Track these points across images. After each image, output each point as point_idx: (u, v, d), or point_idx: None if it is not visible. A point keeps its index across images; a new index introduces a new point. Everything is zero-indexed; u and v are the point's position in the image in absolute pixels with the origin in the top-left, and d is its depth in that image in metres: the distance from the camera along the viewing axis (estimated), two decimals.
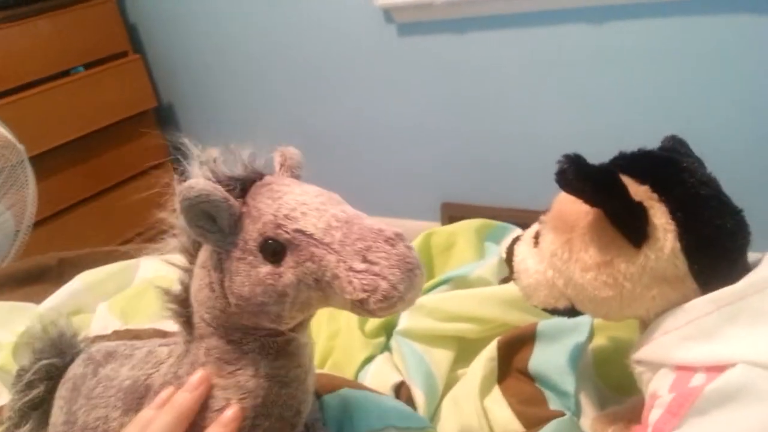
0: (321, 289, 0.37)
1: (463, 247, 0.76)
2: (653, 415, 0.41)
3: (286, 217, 0.37)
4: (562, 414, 0.53)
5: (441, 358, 0.62)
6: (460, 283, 0.69)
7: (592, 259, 0.43)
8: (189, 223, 0.37)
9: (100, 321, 0.73)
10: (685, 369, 0.41)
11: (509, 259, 0.51)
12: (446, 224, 0.82)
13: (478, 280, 0.69)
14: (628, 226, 0.41)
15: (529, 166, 1.52)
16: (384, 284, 0.34)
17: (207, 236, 0.38)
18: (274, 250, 0.37)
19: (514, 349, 0.60)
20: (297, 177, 0.43)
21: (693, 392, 0.39)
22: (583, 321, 0.58)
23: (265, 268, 0.37)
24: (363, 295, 0.34)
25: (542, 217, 0.48)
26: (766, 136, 1.25)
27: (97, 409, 0.44)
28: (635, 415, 0.50)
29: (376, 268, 0.34)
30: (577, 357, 0.56)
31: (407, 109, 1.65)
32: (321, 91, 1.73)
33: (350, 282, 0.35)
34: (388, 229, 0.36)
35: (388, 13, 1.57)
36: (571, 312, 0.47)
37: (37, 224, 1.39)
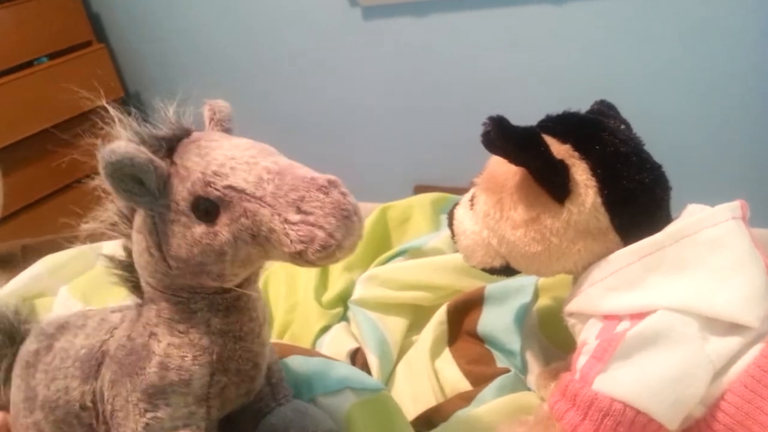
0: (259, 244, 0.36)
1: (419, 219, 0.78)
2: (580, 361, 0.43)
3: (215, 173, 0.36)
4: (507, 371, 0.56)
5: (395, 325, 0.64)
6: (415, 253, 0.71)
7: (521, 217, 0.45)
8: (116, 189, 0.36)
9: (62, 304, 0.73)
10: (611, 318, 0.43)
11: (450, 222, 0.53)
12: None
13: (432, 250, 0.71)
14: (550, 183, 0.43)
15: None
16: (321, 234, 0.34)
17: (136, 200, 0.37)
18: (206, 209, 0.36)
19: (464, 313, 0.62)
20: (227, 130, 0.42)
21: (616, 337, 0.41)
22: (528, 283, 0.60)
23: (200, 228, 0.36)
24: (300, 247, 0.34)
25: (475, 180, 0.50)
26: (720, 109, 1.29)
27: (56, 381, 0.45)
28: None
29: (311, 218, 0.34)
30: (523, 317, 0.59)
31: (376, 93, 1.66)
32: (289, 77, 1.73)
33: (287, 234, 0.34)
34: (321, 176, 0.35)
35: None
36: (507, 270, 0.50)
37: (4, 220, 1.37)
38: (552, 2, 1.38)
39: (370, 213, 0.79)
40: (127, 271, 0.43)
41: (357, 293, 0.67)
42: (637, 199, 0.43)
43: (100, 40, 1.89)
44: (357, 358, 0.61)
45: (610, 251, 0.44)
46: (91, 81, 1.76)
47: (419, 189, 1.81)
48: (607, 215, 0.43)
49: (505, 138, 0.42)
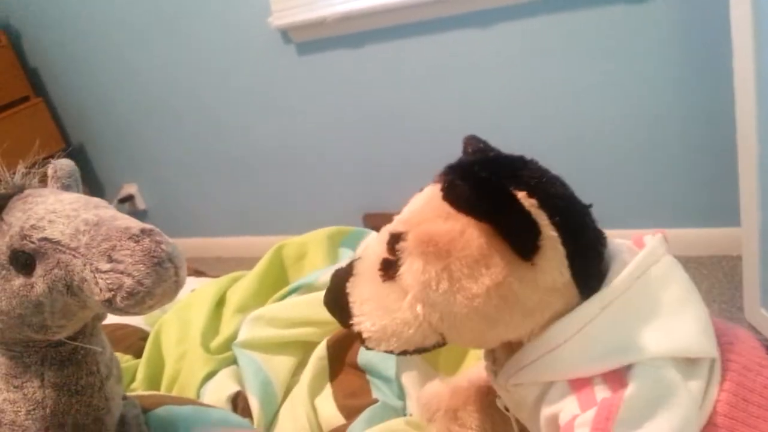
0: (74, 294, 0.37)
1: (315, 255, 0.78)
2: None
3: (33, 227, 0.37)
4: (376, 401, 0.56)
5: (281, 365, 0.64)
6: (308, 289, 0.71)
7: (481, 284, 0.37)
8: None
9: None
10: (581, 381, 0.38)
11: (340, 304, 0.43)
12: None
13: (325, 285, 0.71)
14: (522, 240, 0.36)
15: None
16: (128, 281, 0.35)
17: None
18: (24, 261, 0.37)
19: (345, 346, 0.63)
20: (67, 187, 0.44)
21: (613, 402, 0.36)
22: None
23: (18, 281, 0.38)
24: (109, 295, 0.35)
25: (401, 245, 0.39)
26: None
27: None
28: (460, 397, 0.52)
29: (120, 267, 0.35)
30: None
31: (320, 126, 1.67)
32: (230, 118, 1.74)
33: (97, 283, 0.35)
34: (136, 226, 0.36)
35: (285, 34, 1.61)
36: (432, 347, 0.42)
37: None
38: (477, 26, 1.42)
39: None
40: None
41: (242, 335, 0.67)
42: (593, 245, 0.39)
43: (39, 95, 1.90)
44: (238, 401, 0.61)
45: (569, 307, 0.39)
46: (31, 135, 1.74)
47: (369, 217, 1.83)
48: (570, 268, 0.38)
49: (479, 195, 0.36)
